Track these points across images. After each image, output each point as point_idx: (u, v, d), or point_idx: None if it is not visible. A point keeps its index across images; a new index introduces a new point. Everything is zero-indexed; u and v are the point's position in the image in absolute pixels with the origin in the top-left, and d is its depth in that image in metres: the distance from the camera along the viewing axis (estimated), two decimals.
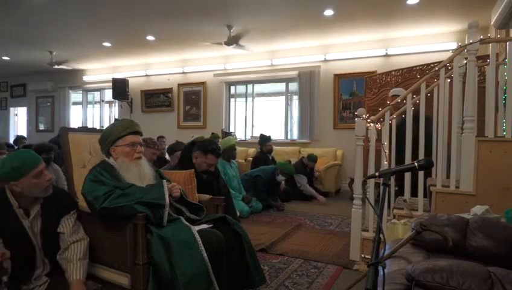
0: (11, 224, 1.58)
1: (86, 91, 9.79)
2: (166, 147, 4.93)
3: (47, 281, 1.70)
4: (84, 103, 9.86)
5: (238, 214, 4.00)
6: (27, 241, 1.62)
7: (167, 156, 4.93)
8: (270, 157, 5.82)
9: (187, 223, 1.89)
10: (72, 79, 9.57)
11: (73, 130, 2.38)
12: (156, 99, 8.65)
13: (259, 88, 7.93)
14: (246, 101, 7.96)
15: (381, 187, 1.21)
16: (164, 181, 1.94)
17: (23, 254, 1.60)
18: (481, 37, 2.59)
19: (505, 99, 2.70)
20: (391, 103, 3.10)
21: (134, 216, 1.71)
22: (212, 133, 5.47)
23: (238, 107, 8.07)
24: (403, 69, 5.21)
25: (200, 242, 1.72)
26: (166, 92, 8.50)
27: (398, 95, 4.01)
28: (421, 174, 2.88)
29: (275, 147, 7.01)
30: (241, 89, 8.01)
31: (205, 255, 1.69)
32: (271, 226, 4.02)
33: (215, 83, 7.94)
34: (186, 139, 3.82)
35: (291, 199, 5.57)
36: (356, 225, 2.90)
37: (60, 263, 1.74)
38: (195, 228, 1.82)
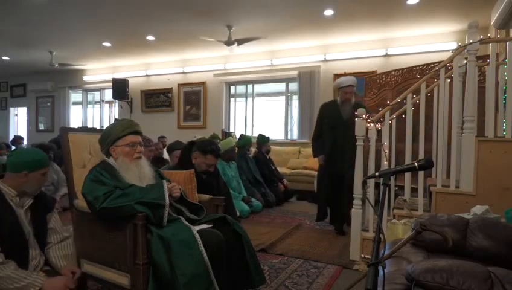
0: (5, 212, 1.62)
1: (86, 91, 9.78)
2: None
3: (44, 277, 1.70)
4: (84, 103, 9.85)
5: (238, 214, 4.00)
6: (19, 230, 1.64)
7: (166, 156, 4.94)
8: (268, 158, 5.83)
9: (187, 223, 1.89)
10: (72, 79, 9.56)
11: (73, 130, 2.38)
12: (156, 99, 8.65)
13: (259, 88, 7.92)
14: (246, 101, 7.95)
15: (381, 187, 1.21)
16: (164, 181, 1.94)
17: (16, 242, 1.61)
18: (481, 37, 2.59)
19: (505, 99, 2.70)
20: (391, 103, 3.10)
21: (134, 216, 1.71)
22: (213, 134, 5.50)
23: (238, 107, 8.07)
24: (403, 69, 5.20)
25: (200, 242, 1.72)
26: (166, 92, 8.50)
27: (352, 85, 3.59)
28: (421, 174, 2.88)
29: (275, 147, 7.05)
30: (241, 89, 8.01)
31: (205, 255, 1.69)
32: (271, 226, 4.02)
33: (215, 83, 7.94)
34: (186, 139, 3.81)
35: (292, 195, 5.67)
36: (356, 225, 2.90)
37: (49, 255, 1.77)
38: (195, 228, 1.82)
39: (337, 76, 6.75)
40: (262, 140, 5.76)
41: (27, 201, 1.72)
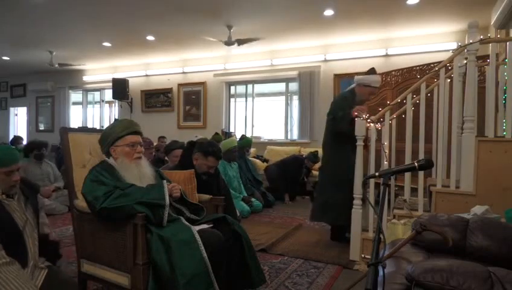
0: None
1: (86, 91, 9.79)
2: None
3: (45, 272, 1.70)
4: (84, 103, 9.85)
5: (238, 214, 3.99)
6: (12, 223, 1.63)
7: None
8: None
9: (187, 223, 1.89)
10: (72, 79, 9.57)
11: (73, 130, 2.38)
12: (156, 99, 8.65)
13: (259, 88, 7.93)
14: (246, 101, 7.96)
15: (381, 187, 1.21)
16: (164, 181, 1.93)
17: (11, 235, 1.61)
18: (481, 37, 2.59)
19: (505, 99, 2.70)
20: (391, 103, 3.10)
21: (134, 216, 1.71)
22: (216, 134, 5.49)
23: (238, 107, 8.07)
24: (403, 69, 5.21)
25: (200, 242, 1.72)
26: (166, 92, 8.50)
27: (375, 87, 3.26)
28: (421, 174, 2.88)
29: (275, 147, 7.07)
30: (241, 89, 8.01)
31: (205, 255, 1.69)
32: (271, 226, 4.02)
33: (215, 83, 7.94)
34: (186, 139, 3.81)
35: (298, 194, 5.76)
36: (356, 225, 2.89)
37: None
38: (196, 228, 1.82)
39: (337, 76, 6.76)
40: (314, 160, 5.69)
41: (15, 194, 1.71)
